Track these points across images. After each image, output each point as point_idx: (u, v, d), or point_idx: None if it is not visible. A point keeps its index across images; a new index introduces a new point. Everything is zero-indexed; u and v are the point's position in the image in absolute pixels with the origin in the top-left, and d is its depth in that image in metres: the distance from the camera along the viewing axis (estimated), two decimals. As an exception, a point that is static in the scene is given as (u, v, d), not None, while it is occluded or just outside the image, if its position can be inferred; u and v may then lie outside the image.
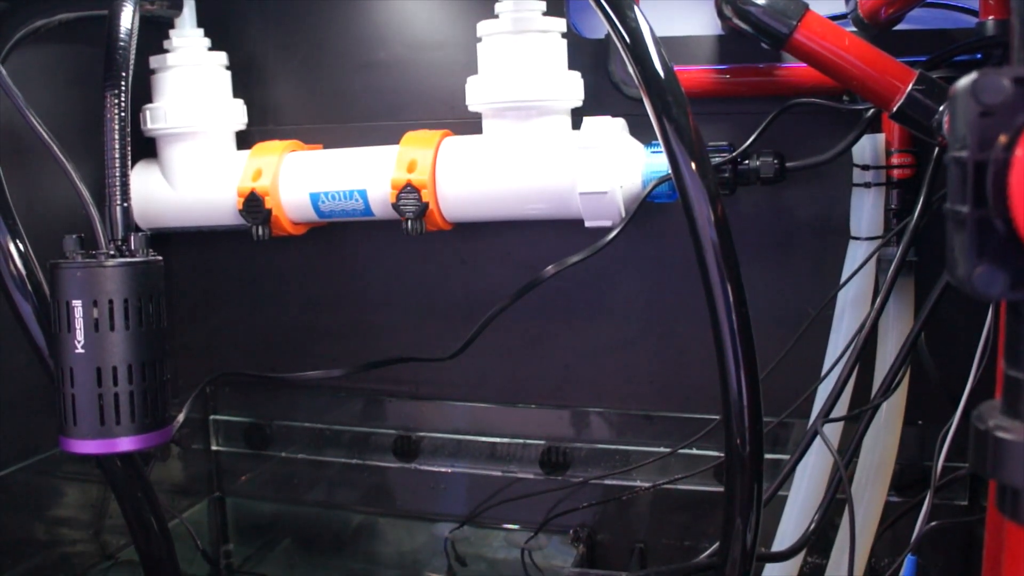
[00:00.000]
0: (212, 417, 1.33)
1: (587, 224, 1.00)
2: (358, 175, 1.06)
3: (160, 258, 0.77)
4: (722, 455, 1.10)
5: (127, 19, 0.85)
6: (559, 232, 1.10)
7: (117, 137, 0.76)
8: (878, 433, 0.99)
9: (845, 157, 0.98)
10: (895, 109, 0.83)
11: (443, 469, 1.24)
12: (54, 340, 0.74)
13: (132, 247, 0.76)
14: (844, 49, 0.84)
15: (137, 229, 0.98)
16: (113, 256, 0.75)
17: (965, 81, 0.41)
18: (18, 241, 0.82)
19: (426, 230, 1.04)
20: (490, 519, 1.24)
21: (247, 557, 1.33)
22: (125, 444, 0.74)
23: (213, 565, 1.24)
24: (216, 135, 1.12)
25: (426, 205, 1.02)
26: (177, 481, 1.30)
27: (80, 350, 0.72)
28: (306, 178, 1.08)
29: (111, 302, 0.72)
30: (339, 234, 1.21)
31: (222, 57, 1.14)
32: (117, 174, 0.77)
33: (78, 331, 0.72)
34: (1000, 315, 0.48)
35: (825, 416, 0.91)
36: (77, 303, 0.72)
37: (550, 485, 1.19)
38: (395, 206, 1.02)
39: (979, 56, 0.93)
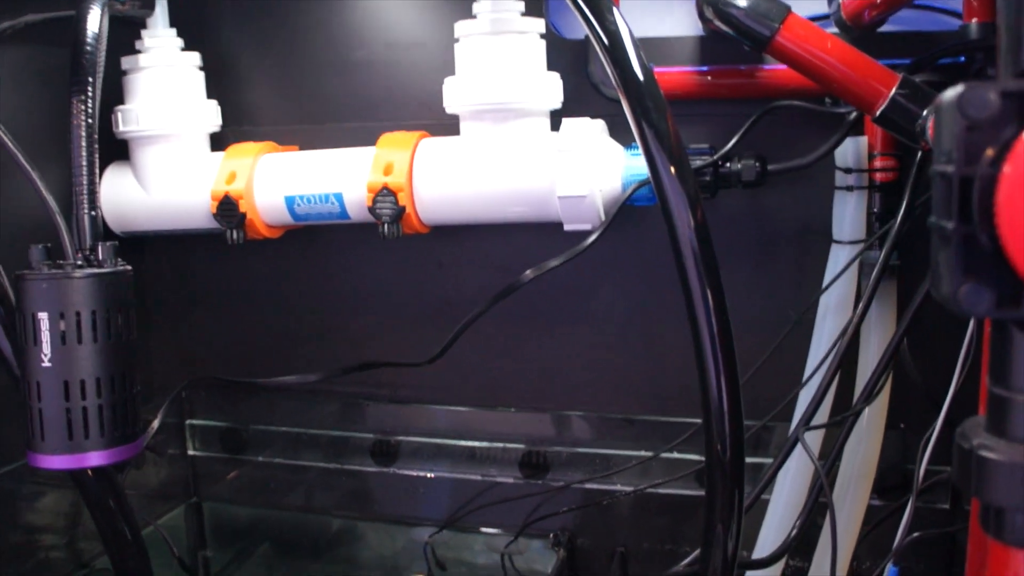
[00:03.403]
0: (188, 422, 1.31)
1: (566, 228, 0.99)
2: (334, 178, 1.04)
3: (129, 268, 0.76)
4: (703, 459, 1.10)
5: (94, 22, 0.84)
6: (538, 234, 1.08)
7: (84, 144, 0.75)
8: (860, 438, 0.98)
9: (827, 160, 0.97)
10: (878, 113, 0.83)
11: (422, 473, 1.23)
12: (21, 353, 0.72)
13: (100, 257, 0.74)
14: (827, 52, 0.84)
15: (108, 235, 0.96)
16: (80, 267, 0.73)
17: (951, 94, 0.40)
18: (-17, 249, 0.81)
19: (403, 233, 1.03)
20: (470, 523, 1.22)
21: (225, 564, 1.32)
22: (94, 459, 0.72)
23: (190, 572, 1.23)
24: (190, 137, 1.11)
25: (403, 209, 1.00)
26: (153, 487, 1.29)
27: (47, 363, 0.71)
28: (281, 181, 1.06)
29: (78, 314, 0.71)
30: (315, 237, 1.20)
31: (195, 58, 1.12)
32: (84, 182, 0.75)
33: (45, 344, 0.70)
34: (984, 330, 0.47)
35: (806, 422, 0.91)
36: (43, 316, 0.70)
37: (530, 489, 1.18)
38: (371, 210, 1.01)
39: (962, 59, 0.92)
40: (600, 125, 1.00)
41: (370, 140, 1.05)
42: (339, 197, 1.04)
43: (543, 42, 1.00)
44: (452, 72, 1.01)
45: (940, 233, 0.42)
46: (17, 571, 1.01)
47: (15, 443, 0.97)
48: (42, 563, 1.06)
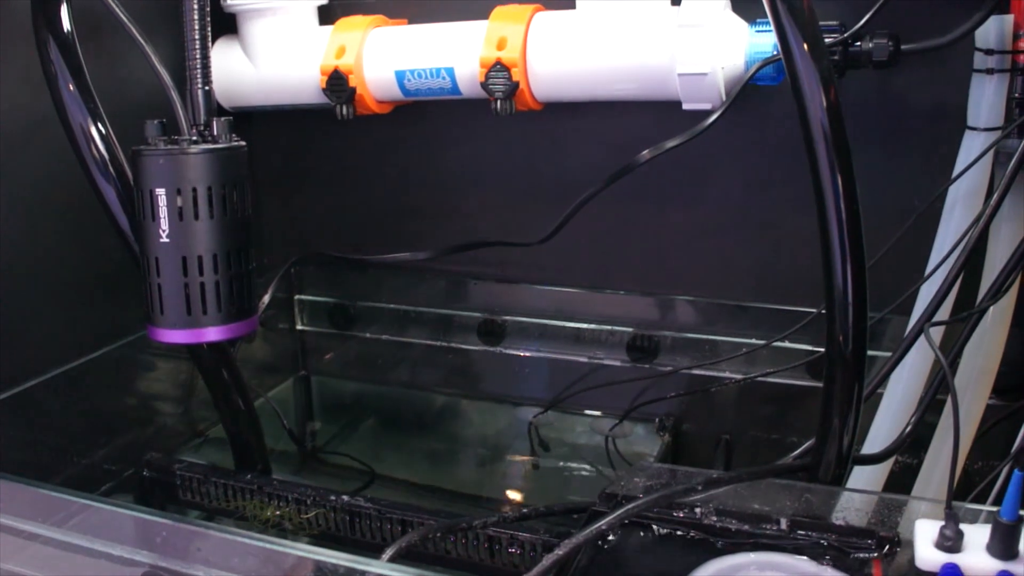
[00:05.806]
0: (297, 297, 1.33)
1: (685, 106, 0.95)
2: (445, 52, 1.02)
3: (243, 143, 0.75)
4: (815, 349, 1.08)
5: None
6: (653, 113, 1.05)
7: (197, 17, 0.73)
8: (983, 335, 0.94)
9: (967, 40, 0.91)
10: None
11: (528, 353, 1.23)
12: (139, 228, 0.73)
13: (215, 132, 0.73)
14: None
15: (219, 111, 0.96)
16: (196, 142, 0.72)
17: None
18: (99, 124, 0.80)
19: (515, 110, 1.00)
20: (574, 405, 1.23)
21: (332, 436, 1.35)
22: (212, 334, 0.73)
23: (299, 442, 1.26)
24: (298, 10, 1.09)
25: (516, 84, 0.98)
26: (263, 360, 1.32)
27: (165, 239, 0.71)
28: (391, 55, 1.04)
29: (195, 190, 0.70)
30: (426, 113, 1.18)
31: (304, -73, 1.09)
32: (198, 56, 0.74)
33: (162, 220, 0.70)
34: None
35: (929, 317, 0.87)
36: (161, 191, 0.70)
37: (636, 373, 1.17)
38: (484, 85, 0.99)
39: None
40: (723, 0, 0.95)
41: (482, 13, 1.02)
42: (450, 72, 1.01)
43: (663, -91, 0.95)
44: (566, -59, 0.97)
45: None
46: (136, 438, 1.05)
47: (133, 315, 1.00)
48: (161, 430, 1.10)
